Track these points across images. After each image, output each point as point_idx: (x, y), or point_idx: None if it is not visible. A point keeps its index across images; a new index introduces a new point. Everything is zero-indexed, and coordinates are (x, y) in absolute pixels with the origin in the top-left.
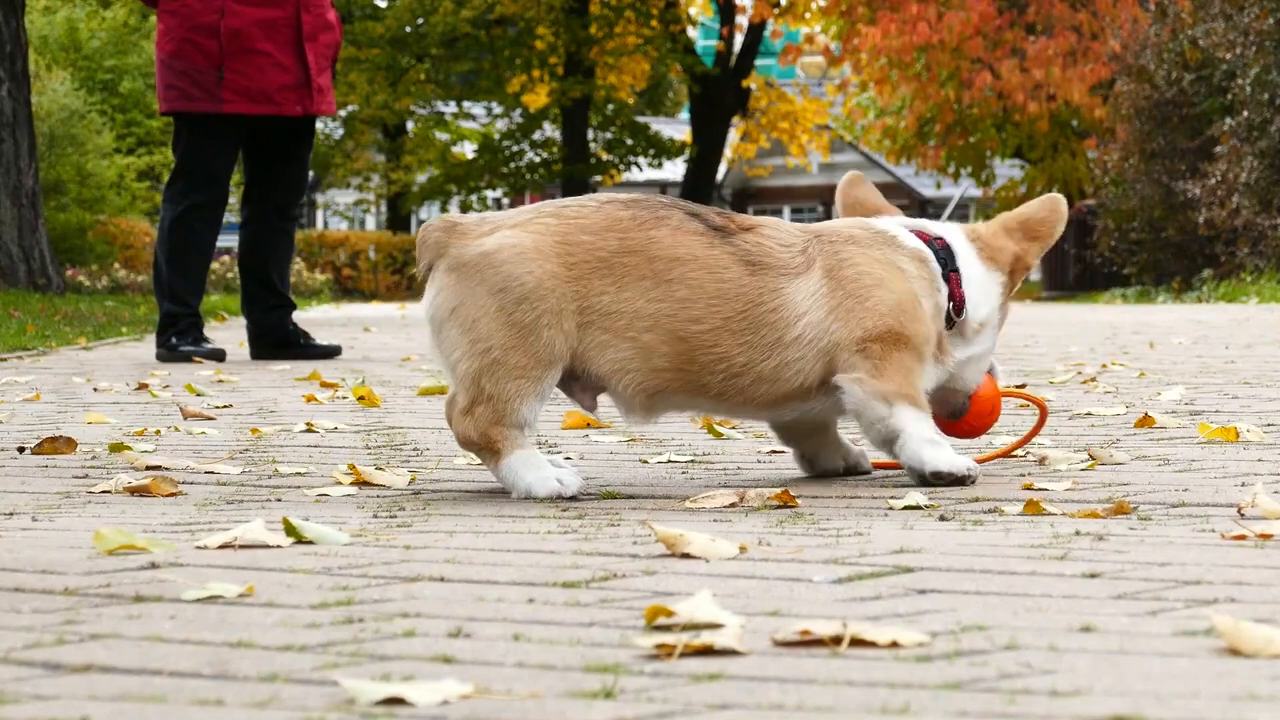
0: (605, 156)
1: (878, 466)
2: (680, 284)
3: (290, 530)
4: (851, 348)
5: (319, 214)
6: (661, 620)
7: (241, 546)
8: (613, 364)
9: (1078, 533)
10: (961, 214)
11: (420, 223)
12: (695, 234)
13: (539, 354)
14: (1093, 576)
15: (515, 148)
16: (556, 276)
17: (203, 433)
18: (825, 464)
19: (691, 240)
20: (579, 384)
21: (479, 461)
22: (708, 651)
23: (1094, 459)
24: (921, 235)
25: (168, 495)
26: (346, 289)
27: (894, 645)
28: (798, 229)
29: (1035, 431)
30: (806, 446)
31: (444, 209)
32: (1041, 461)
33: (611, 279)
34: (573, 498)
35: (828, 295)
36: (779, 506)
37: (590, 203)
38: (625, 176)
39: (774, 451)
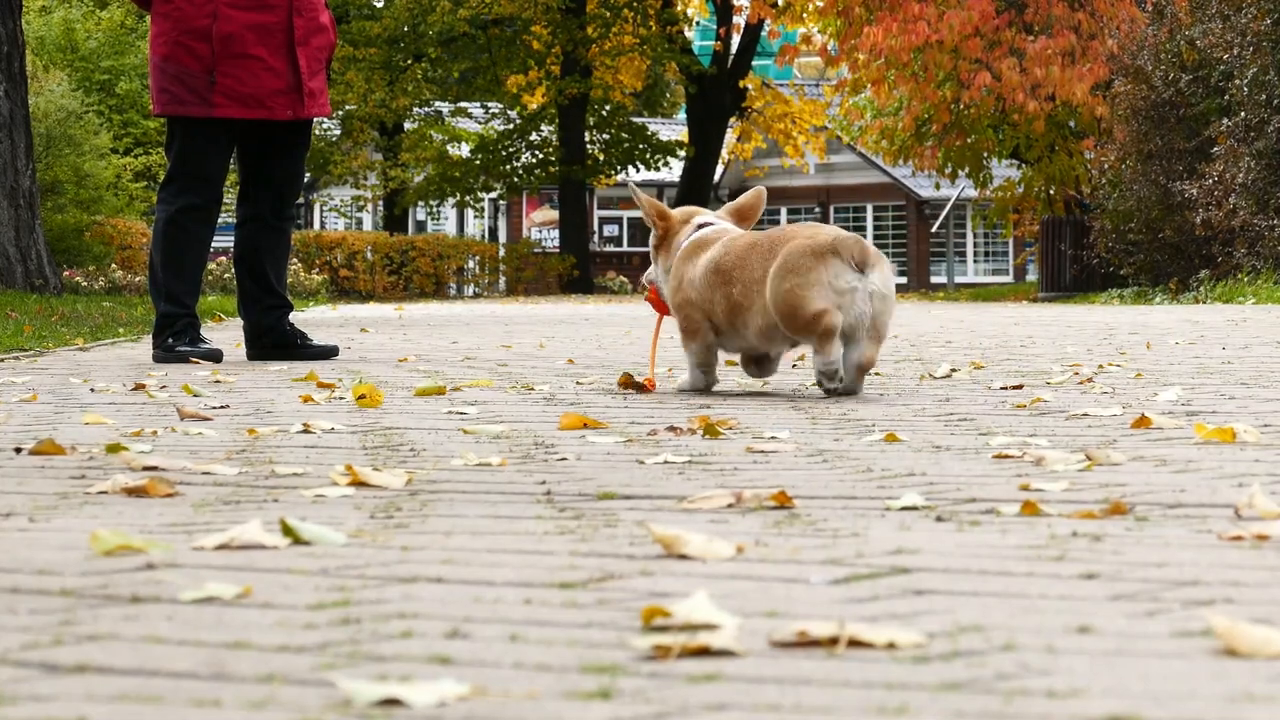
0: (602, 158)
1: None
2: None
3: (287, 531)
4: None
5: (315, 214)
6: (658, 621)
7: (238, 547)
8: None
9: (1075, 533)
10: (959, 214)
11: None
12: None
13: None
14: (1090, 577)
15: (511, 148)
16: None
17: (200, 433)
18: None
19: None
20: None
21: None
22: (705, 652)
23: (1091, 459)
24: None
25: (164, 496)
26: (343, 289)
27: (891, 646)
28: None
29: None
30: None
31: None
32: (1038, 462)
33: None
34: None
35: None
36: (776, 507)
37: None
38: (619, 176)
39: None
